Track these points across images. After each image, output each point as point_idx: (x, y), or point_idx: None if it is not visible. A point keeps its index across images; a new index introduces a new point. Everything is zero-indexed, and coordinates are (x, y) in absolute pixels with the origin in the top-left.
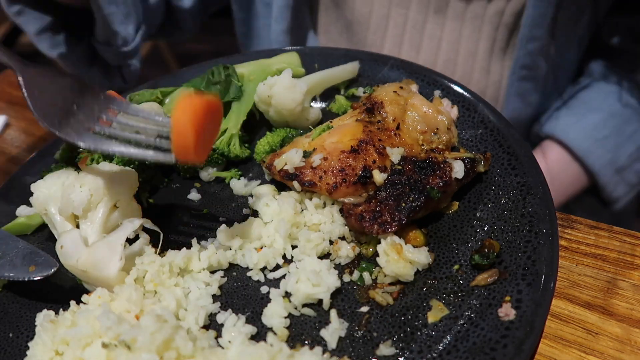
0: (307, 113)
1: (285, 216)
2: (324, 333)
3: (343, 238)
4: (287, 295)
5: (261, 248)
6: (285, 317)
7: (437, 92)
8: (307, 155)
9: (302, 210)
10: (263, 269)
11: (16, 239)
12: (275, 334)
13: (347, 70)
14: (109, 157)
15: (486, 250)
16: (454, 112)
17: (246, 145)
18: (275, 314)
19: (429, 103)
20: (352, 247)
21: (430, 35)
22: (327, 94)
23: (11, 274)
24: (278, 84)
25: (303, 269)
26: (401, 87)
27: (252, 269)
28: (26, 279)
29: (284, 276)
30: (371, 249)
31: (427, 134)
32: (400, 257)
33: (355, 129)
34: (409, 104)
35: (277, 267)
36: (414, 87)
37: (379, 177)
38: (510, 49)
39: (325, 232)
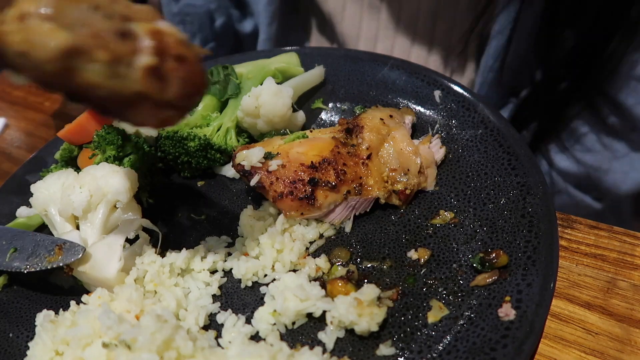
0: (296, 117)
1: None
2: (321, 336)
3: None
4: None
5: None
6: (274, 324)
7: (437, 93)
8: (268, 157)
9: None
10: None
11: (30, 232)
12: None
13: (316, 75)
14: (110, 158)
15: (491, 257)
16: (441, 152)
17: (244, 135)
18: (263, 320)
19: (409, 140)
20: (316, 268)
21: (416, 58)
22: (300, 102)
23: (40, 265)
24: (264, 92)
25: (286, 287)
26: (391, 116)
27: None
28: (55, 266)
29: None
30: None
31: (396, 172)
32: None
33: (325, 146)
34: (391, 136)
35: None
36: (408, 119)
37: (322, 198)
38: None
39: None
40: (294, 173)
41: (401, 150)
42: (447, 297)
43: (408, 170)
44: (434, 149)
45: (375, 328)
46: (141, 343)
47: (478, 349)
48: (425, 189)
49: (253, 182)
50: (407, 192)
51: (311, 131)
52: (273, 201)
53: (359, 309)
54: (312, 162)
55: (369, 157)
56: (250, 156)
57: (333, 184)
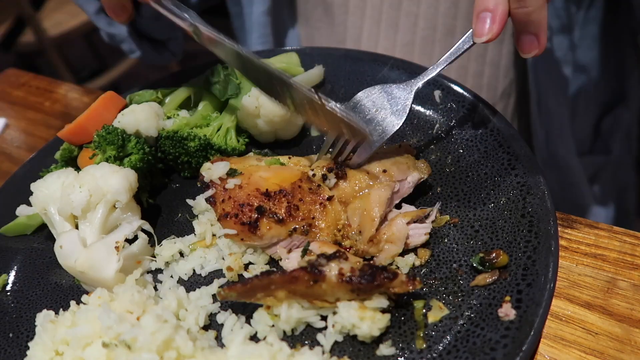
0: (296, 118)
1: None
2: (320, 337)
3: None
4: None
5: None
6: (272, 325)
7: (437, 93)
8: (231, 173)
9: None
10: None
11: None
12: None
13: (315, 75)
14: (110, 158)
15: (491, 257)
16: (420, 239)
17: (244, 135)
18: (262, 320)
19: (381, 205)
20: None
21: (406, 12)
22: None
23: None
24: None
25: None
26: (384, 171)
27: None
28: None
29: None
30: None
31: (351, 228)
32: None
33: (290, 176)
34: (366, 193)
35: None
36: (413, 177)
37: (265, 229)
38: None
39: None
40: (246, 196)
41: (366, 212)
42: (447, 297)
43: (360, 232)
44: (414, 231)
45: (377, 333)
46: (141, 343)
47: (478, 349)
48: (373, 261)
49: (205, 196)
50: (352, 252)
51: (290, 158)
52: (218, 219)
53: (360, 311)
54: (267, 189)
55: (329, 198)
56: (213, 170)
57: (280, 217)
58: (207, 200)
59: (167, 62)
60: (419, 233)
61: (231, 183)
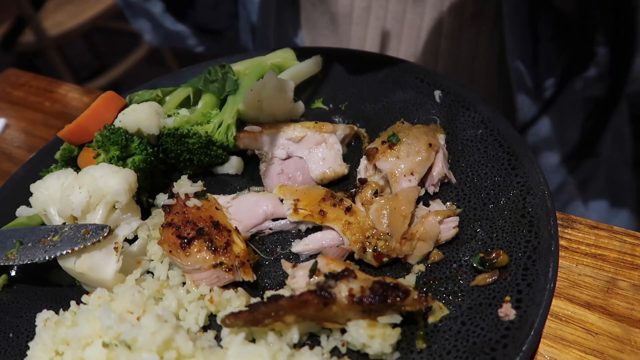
0: (297, 108)
1: None
2: (322, 338)
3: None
4: None
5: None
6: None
7: (437, 93)
8: (199, 196)
9: None
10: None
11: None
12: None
13: (313, 64)
14: (114, 158)
15: (491, 257)
16: (450, 233)
17: None
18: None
19: (412, 205)
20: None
21: (410, 25)
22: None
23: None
24: (266, 86)
25: None
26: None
27: None
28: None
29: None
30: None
31: (378, 231)
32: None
33: (315, 195)
34: (393, 195)
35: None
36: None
37: (193, 252)
38: (494, 32)
39: None
40: (198, 217)
41: (396, 210)
42: (447, 297)
43: (388, 233)
44: (444, 226)
45: (388, 350)
46: (141, 343)
47: (478, 349)
48: (405, 260)
49: (164, 202)
50: (384, 257)
51: (316, 123)
52: (162, 226)
53: (370, 329)
54: (218, 221)
55: (348, 209)
56: (185, 185)
57: (213, 247)
58: (163, 206)
59: (225, 52)
60: (448, 227)
61: (192, 202)
